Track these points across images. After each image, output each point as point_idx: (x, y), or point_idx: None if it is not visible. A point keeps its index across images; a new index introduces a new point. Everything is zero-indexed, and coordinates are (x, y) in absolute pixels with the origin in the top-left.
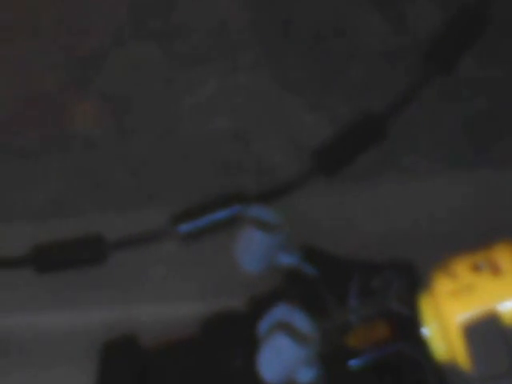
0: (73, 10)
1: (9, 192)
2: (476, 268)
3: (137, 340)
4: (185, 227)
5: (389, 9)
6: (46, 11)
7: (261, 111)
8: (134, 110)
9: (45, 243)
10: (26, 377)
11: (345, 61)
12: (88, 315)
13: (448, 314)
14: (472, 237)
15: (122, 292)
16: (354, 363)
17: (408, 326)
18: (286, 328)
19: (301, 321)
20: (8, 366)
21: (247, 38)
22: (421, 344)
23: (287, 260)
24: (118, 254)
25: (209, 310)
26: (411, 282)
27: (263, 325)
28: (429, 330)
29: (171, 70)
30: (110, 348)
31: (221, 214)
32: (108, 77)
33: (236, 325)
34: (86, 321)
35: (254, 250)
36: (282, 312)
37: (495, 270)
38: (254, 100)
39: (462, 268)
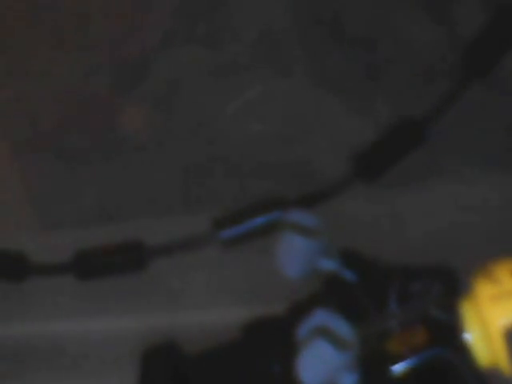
0: (121, 14)
1: (52, 198)
2: None
3: (177, 346)
4: (226, 233)
5: (434, 11)
6: (95, 15)
7: (303, 115)
8: (179, 114)
9: (87, 250)
10: (67, 383)
11: (388, 65)
12: (129, 321)
13: (490, 318)
14: None
15: (162, 298)
16: (393, 369)
17: (448, 332)
18: (326, 333)
19: (341, 326)
20: (49, 372)
21: (291, 42)
22: (462, 349)
23: (327, 265)
24: (159, 260)
25: (249, 315)
26: (451, 287)
27: (303, 330)
28: (470, 336)
29: (217, 74)
30: (151, 354)
31: (262, 220)
32: (155, 80)
33: (276, 330)
34: (127, 327)
35: (295, 255)
36: (321, 317)
37: None
38: (296, 104)
39: (503, 273)
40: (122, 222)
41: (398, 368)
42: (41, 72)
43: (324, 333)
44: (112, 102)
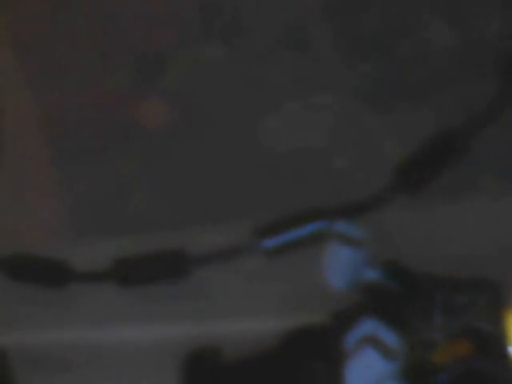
0: (141, 9)
1: (93, 206)
2: None
3: (219, 353)
4: (269, 242)
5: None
6: (113, 11)
7: (344, 128)
8: (215, 122)
9: (127, 257)
10: (106, 379)
11: (428, 80)
12: (169, 330)
13: None
14: None
15: (203, 306)
16: (438, 379)
17: (493, 344)
18: (375, 342)
19: (389, 336)
20: (87, 378)
21: (328, 54)
22: (506, 361)
23: (371, 276)
24: (201, 268)
25: (290, 325)
26: (495, 299)
27: (350, 339)
28: None
29: (250, 86)
30: (192, 361)
31: (305, 230)
32: (179, 79)
33: (318, 340)
34: (166, 335)
35: (341, 266)
36: (370, 326)
37: None
38: (337, 116)
39: None
40: (163, 231)
41: (443, 379)
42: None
43: (372, 342)
44: (132, 101)
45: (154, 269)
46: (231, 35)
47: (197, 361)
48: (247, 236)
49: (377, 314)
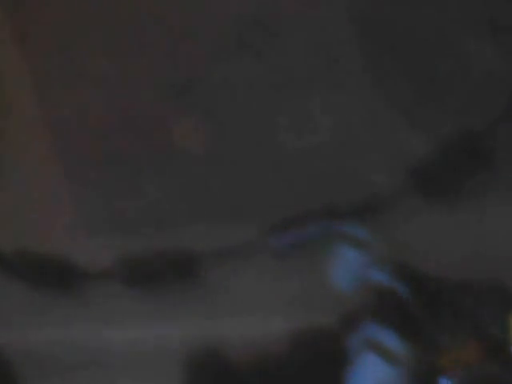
0: (175, 24)
1: (101, 205)
2: None
3: (224, 354)
4: (277, 241)
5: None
6: (149, 26)
7: (360, 127)
8: (232, 124)
9: (134, 256)
10: (110, 379)
11: (449, 80)
12: (176, 329)
13: None
14: None
15: (212, 306)
16: None
17: (501, 348)
18: (377, 347)
19: (392, 340)
20: (94, 376)
21: (350, 53)
22: None
23: (379, 278)
24: (209, 268)
25: (298, 326)
26: (505, 302)
27: (353, 343)
28: None
29: (272, 86)
30: (197, 362)
31: (314, 230)
32: (209, 92)
33: (325, 342)
34: (173, 333)
35: (348, 268)
36: (372, 330)
37: None
38: (354, 116)
39: None
40: (172, 230)
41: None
42: (93, 80)
43: (375, 346)
44: (164, 110)
45: (163, 268)
46: (263, 47)
47: (202, 362)
48: (256, 235)
49: (383, 316)
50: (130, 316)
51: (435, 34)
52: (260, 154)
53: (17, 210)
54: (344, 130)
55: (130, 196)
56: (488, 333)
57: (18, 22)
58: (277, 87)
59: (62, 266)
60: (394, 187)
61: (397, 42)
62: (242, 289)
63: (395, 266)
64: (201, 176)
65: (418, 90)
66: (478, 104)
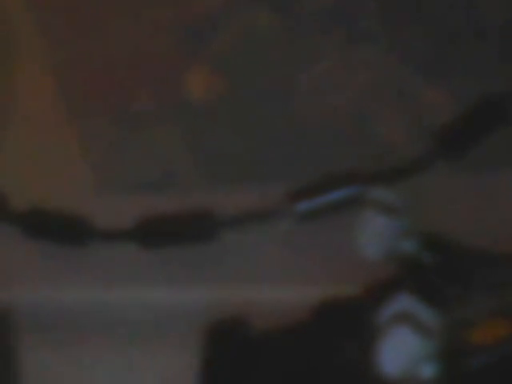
0: None
1: (115, 163)
2: None
3: (245, 323)
4: (302, 205)
5: None
6: None
7: (382, 88)
8: (247, 79)
9: (152, 217)
10: (126, 353)
11: (471, 39)
12: (194, 294)
13: None
14: None
15: (231, 272)
16: (475, 361)
17: None
18: (410, 320)
19: (424, 312)
20: (107, 340)
21: (368, 9)
22: None
23: (407, 247)
24: (229, 231)
25: (322, 295)
26: None
27: (383, 315)
28: None
29: (287, 41)
30: (218, 330)
31: (339, 194)
32: (222, 43)
33: (351, 313)
34: (191, 300)
35: (376, 235)
36: (404, 302)
37: None
38: (374, 75)
39: None
40: (191, 190)
41: (480, 360)
42: (104, 32)
43: (407, 319)
44: (177, 64)
45: (180, 230)
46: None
47: (221, 330)
48: (279, 199)
49: (412, 288)
50: (144, 278)
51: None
52: (280, 114)
53: (25, 168)
54: (367, 91)
55: (145, 154)
56: None
57: None
58: (295, 43)
59: (77, 225)
60: (420, 151)
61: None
62: (263, 255)
63: (424, 235)
64: (221, 135)
65: (440, 51)
66: (502, 64)
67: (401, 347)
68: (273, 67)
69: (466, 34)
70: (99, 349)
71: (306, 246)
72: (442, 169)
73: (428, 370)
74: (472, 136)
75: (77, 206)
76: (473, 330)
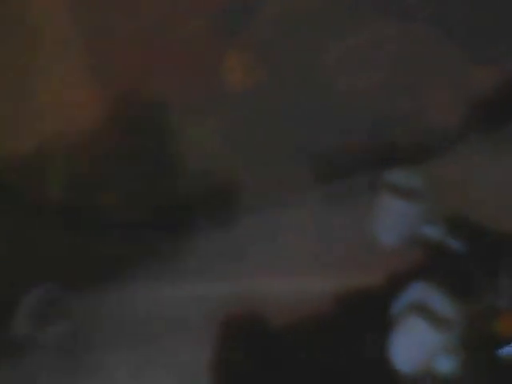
0: None
1: None
2: None
3: (263, 315)
4: (327, 188)
5: None
6: None
7: (419, 63)
8: (283, 60)
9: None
10: (144, 342)
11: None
12: (215, 284)
13: None
14: None
15: (249, 264)
16: (502, 352)
17: None
18: (423, 311)
19: (440, 303)
20: (121, 331)
21: None
22: None
23: (431, 232)
24: (250, 217)
25: (343, 284)
26: None
27: (398, 306)
28: None
29: (321, 19)
30: (233, 322)
31: (362, 179)
32: (259, 27)
33: (371, 304)
34: (212, 290)
35: (393, 220)
36: (419, 292)
37: None
38: (412, 51)
39: None
40: (213, 172)
41: (508, 352)
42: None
43: (421, 310)
44: (215, 47)
45: (202, 215)
46: None
47: (240, 323)
48: (304, 180)
49: (434, 276)
50: (163, 269)
51: None
52: (314, 92)
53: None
54: (398, 65)
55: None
56: None
57: None
58: (327, 24)
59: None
60: (454, 129)
61: None
62: (283, 245)
63: (449, 219)
64: (252, 118)
65: (480, 22)
66: None
67: (413, 340)
68: (305, 51)
69: (508, 8)
70: (112, 338)
71: (325, 235)
72: (469, 148)
73: (446, 364)
74: (507, 114)
75: None
76: (499, 320)
